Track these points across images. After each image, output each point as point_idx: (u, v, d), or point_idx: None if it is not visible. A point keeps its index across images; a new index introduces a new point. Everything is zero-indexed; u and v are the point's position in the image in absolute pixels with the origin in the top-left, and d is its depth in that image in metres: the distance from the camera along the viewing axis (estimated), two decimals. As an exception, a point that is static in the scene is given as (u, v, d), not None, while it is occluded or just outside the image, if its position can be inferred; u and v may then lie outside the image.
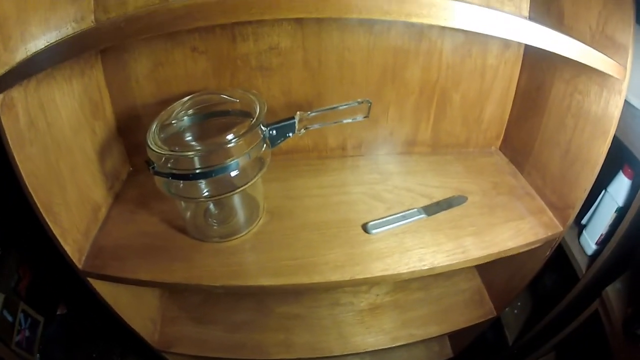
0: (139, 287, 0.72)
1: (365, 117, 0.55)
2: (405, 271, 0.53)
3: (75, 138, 0.58)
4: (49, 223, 0.51)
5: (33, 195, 0.48)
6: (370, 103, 0.54)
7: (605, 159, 0.58)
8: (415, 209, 0.62)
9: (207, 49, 0.61)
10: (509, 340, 0.95)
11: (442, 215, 0.62)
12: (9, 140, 0.44)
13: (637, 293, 0.66)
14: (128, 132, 0.70)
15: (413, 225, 0.60)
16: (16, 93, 0.45)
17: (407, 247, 0.56)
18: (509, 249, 0.60)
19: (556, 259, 0.79)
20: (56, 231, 0.52)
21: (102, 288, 0.60)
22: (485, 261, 0.59)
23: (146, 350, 1.12)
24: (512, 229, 0.62)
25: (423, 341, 0.98)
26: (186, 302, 0.82)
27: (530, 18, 0.64)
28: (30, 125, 0.48)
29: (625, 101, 0.55)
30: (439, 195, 0.66)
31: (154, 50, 0.62)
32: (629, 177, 0.63)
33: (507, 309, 1.00)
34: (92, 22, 0.58)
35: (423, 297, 0.84)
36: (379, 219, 0.60)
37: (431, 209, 0.62)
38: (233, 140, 0.47)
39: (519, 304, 1.00)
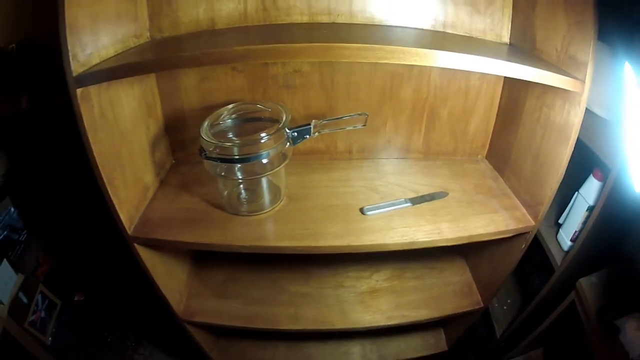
0: (172, 260, 0.92)
1: (363, 126, 0.75)
2: (390, 242, 0.70)
3: (133, 130, 0.76)
4: (110, 193, 0.66)
5: (100, 170, 0.64)
6: (367, 115, 0.75)
7: (578, 164, 0.70)
8: (403, 199, 0.80)
9: (244, 69, 0.83)
10: (497, 332, 1.08)
11: (425, 205, 0.79)
12: (85, 125, 0.60)
13: (612, 288, 0.77)
14: (174, 130, 0.91)
15: (400, 211, 0.77)
16: (92, 89, 0.61)
17: (394, 225, 0.73)
18: (479, 234, 0.75)
19: (541, 260, 0.93)
20: (115, 200, 0.68)
21: (145, 255, 0.77)
22: (458, 243, 0.74)
23: (159, 336, 1.26)
24: (485, 220, 0.77)
25: (419, 332, 1.13)
26: (210, 280, 1.00)
27: (511, 44, 0.82)
28: (101, 115, 0.65)
29: (590, 111, 0.69)
30: (425, 190, 0.83)
31: (201, 67, 0.83)
32: (598, 180, 0.76)
33: (497, 305, 1.14)
34: (148, 38, 0.79)
35: (417, 285, 1.00)
36: (373, 205, 0.78)
37: (416, 200, 0.80)
38: (265, 137, 0.67)
39: (508, 301, 1.14)
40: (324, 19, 0.79)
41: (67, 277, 1.29)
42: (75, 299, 1.33)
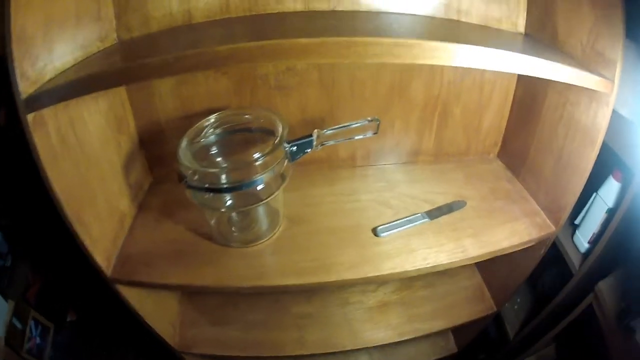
0: (161, 292, 0.84)
1: (374, 134, 0.67)
2: (411, 269, 0.64)
3: (103, 151, 0.67)
4: (79, 234, 0.58)
5: (65, 207, 0.55)
6: (379, 121, 0.66)
7: (597, 164, 0.67)
8: (419, 214, 0.74)
9: (228, 70, 0.72)
10: (509, 335, 1.07)
11: (443, 219, 0.74)
12: (41, 157, 0.51)
13: (629, 288, 0.76)
14: (150, 145, 0.80)
15: (418, 228, 0.72)
16: (47, 111, 0.51)
17: (413, 247, 0.68)
18: (504, 248, 0.71)
19: (553, 258, 0.91)
20: (86, 241, 0.59)
21: (129, 294, 0.69)
22: (483, 259, 0.70)
23: (159, 355, 1.22)
24: (508, 230, 0.73)
25: (429, 337, 1.11)
26: (204, 305, 0.93)
27: (527, 34, 0.75)
28: (61, 141, 0.55)
29: (615, 111, 0.64)
30: (441, 200, 0.77)
31: (177, 72, 0.72)
32: (618, 181, 0.73)
33: (507, 305, 1.12)
34: (115, 40, 0.67)
35: (427, 294, 0.96)
36: (387, 223, 0.71)
37: (434, 214, 0.74)
38: (260, 158, 0.58)
39: (518, 300, 1.13)
40: (323, 6, 0.69)
41: (57, 296, 1.22)
42: (68, 319, 1.26)
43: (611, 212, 0.75)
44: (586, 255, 0.82)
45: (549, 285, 1.01)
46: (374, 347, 1.08)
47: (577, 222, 0.85)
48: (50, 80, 0.52)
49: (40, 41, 0.51)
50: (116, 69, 0.54)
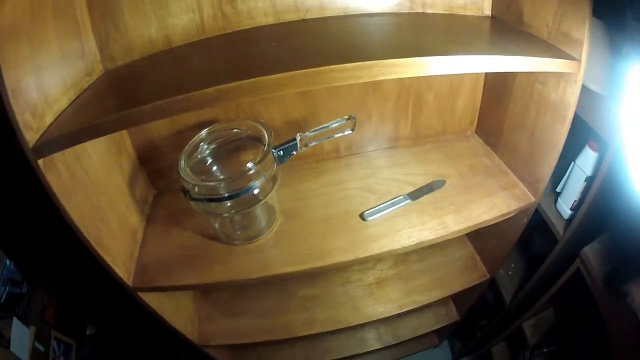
0: (177, 294, 0.95)
1: (352, 131, 0.75)
2: (397, 247, 0.74)
3: (108, 177, 0.74)
4: (101, 254, 0.66)
5: (84, 234, 0.62)
6: (355, 119, 0.74)
7: (573, 135, 0.72)
8: (402, 196, 0.83)
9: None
10: (505, 300, 1.18)
11: (425, 198, 0.83)
12: (56, 194, 0.57)
13: (614, 252, 0.83)
14: (148, 161, 0.89)
15: (401, 210, 0.81)
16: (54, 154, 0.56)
17: (398, 228, 0.77)
18: (484, 221, 0.79)
19: (540, 224, 0.99)
20: (108, 260, 0.68)
21: (149, 299, 0.79)
22: (464, 233, 0.79)
23: (175, 356, 1.32)
24: (487, 204, 0.82)
25: (430, 307, 1.22)
26: (217, 299, 1.04)
27: (493, 17, 0.81)
28: (71, 177, 0.62)
29: (585, 87, 0.69)
30: (422, 181, 0.86)
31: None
32: (594, 150, 0.80)
33: (502, 272, 1.23)
34: (101, 71, 0.74)
35: (422, 267, 1.07)
36: (373, 208, 0.81)
37: (415, 195, 0.83)
38: (253, 168, 0.67)
39: (512, 265, 1.23)
40: (292, 16, 0.76)
41: (74, 313, 1.32)
42: (87, 332, 1.37)
43: (590, 180, 0.81)
44: (569, 221, 0.89)
45: (538, 251, 1.10)
46: (379, 321, 1.21)
47: (558, 189, 0.92)
48: (51, 125, 0.57)
49: (35, 90, 0.56)
50: (112, 118, 0.55)
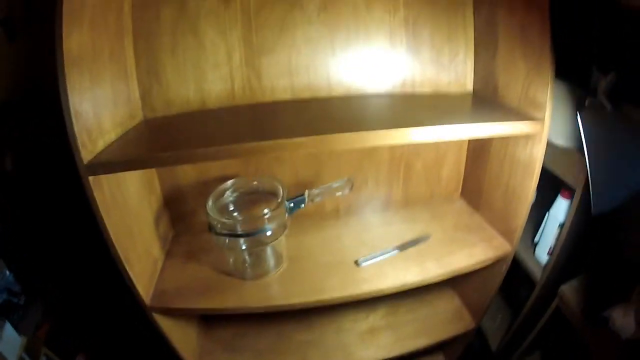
0: (184, 324, 1.08)
1: (350, 190, 0.95)
2: (384, 287, 0.89)
3: (139, 207, 0.91)
4: (127, 269, 0.78)
5: (118, 249, 0.75)
6: (352, 181, 0.95)
7: (547, 188, 0.87)
8: (391, 248, 1.00)
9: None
10: (492, 347, 1.30)
11: (411, 250, 1.00)
12: (100, 210, 0.70)
13: (591, 287, 0.96)
14: (173, 204, 1.07)
15: (390, 259, 0.97)
16: (102, 175, 0.71)
17: (386, 272, 0.93)
18: (462, 267, 0.94)
19: (524, 277, 1.13)
20: (132, 275, 0.80)
21: (162, 321, 0.92)
22: (444, 278, 0.94)
23: None
24: (466, 254, 0.98)
25: (421, 358, 1.33)
26: (219, 336, 1.16)
27: (474, 91, 1.04)
28: (112, 198, 0.76)
29: (551, 143, 0.85)
30: (409, 236, 1.04)
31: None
32: (566, 198, 0.96)
33: (489, 323, 1.36)
34: (141, 117, 0.94)
35: (412, 318, 1.20)
36: (365, 256, 0.97)
37: (403, 247, 1.00)
38: (268, 213, 0.85)
39: (499, 316, 1.36)
40: (306, 94, 0.99)
41: (65, 338, 1.40)
42: None
43: (562, 227, 0.97)
44: (545, 265, 1.04)
45: (523, 300, 1.22)
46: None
47: (536, 240, 1.09)
48: (102, 151, 0.72)
49: (92, 118, 0.70)
50: (153, 156, 0.73)
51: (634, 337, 0.81)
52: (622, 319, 0.84)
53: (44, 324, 1.32)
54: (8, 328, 1.12)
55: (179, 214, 1.10)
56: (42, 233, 1.30)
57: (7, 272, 1.20)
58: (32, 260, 1.30)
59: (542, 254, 1.06)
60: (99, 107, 0.74)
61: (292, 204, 0.91)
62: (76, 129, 0.65)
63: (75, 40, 0.66)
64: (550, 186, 0.96)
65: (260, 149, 0.71)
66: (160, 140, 0.86)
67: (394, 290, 0.91)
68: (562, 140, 0.91)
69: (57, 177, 1.27)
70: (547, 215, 1.03)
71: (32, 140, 1.18)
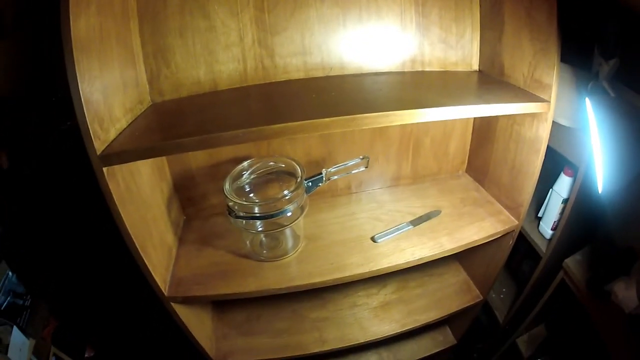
0: (200, 311, 1.13)
1: (366, 168, 1.01)
2: (403, 262, 0.96)
3: (152, 196, 0.94)
4: (144, 260, 0.80)
5: (134, 240, 0.76)
6: (369, 158, 1.00)
7: (549, 164, 0.94)
8: (405, 223, 1.07)
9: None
10: (499, 320, 1.41)
11: (424, 225, 1.07)
12: (115, 201, 0.71)
13: (594, 260, 1.04)
14: (182, 189, 1.10)
15: (405, 234, 1.04)
16: (115, 165, 0.71)
17: (402, 247, 1.00)
18: (474, 241, 1.03)
19: (528, 251, 1.24)
20: (150, 266, 0.83)
21: (179, 310, 0.96)
22: (457, 251, 1.02)
23: None
24: (476, 228, 1.06)
25: (428, 333, 1.43)
26: (233, 320, 1.22)
27: (480, 71, 1.10)
28: (127, 188, 0.77)
29: (555, 122, 0.92)
30: (420, 212, 1.11)
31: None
32: (569, 176, 1.06)
33: (494, 296, 1.46)
34: (149, 102, 0.95)
35: (421, 292, 1.29)
36: (381, 232, 1.04)
37: (416, 222, 1.07)
38: (287, 195, 0.89)
39: (504, 289, 1.47)
40: (319, 73, 1.02)
41: (72, 335, 1.43)
42: (86, 355, 1.47)
43: (566, 202, 1.07)
44: (551, 240, 1.14)
45: (527, 274, 1.35)
46: (382, 346, 1.41)
47: (540, 214, 1.19)
48: (114, 140, 0.72)
49: (103, 106, 0.70)
50: (166, 144, 0.72)
51: (636, 312, 0.88)
52: (623, 292, 0.92)
53: (50, 322, 1.35)
54: (16, 333, 1.14)
55: (189, 198, 1.13)
56: (42, 230, 1.31)
57: (10, 273, 1.21)
58: (33, 258, 1.31)
59: (546, 228, 1.16)
60: (109, 94, 0.74)
61: (310, 183, 0.95)
62: (88, 118, 0.65)
63: (82, 23, 0.65)
64: (553, 162, 1.03)
65: (290, 129, 0.73)
66: (175, 125, 0.86)
67: (411, 264, 0.98)
68: (564, 120, 0.99)
69: (55, 173, 1.29)
70: (550, 191, 1.13)
71: (28, 136, 1.18)
